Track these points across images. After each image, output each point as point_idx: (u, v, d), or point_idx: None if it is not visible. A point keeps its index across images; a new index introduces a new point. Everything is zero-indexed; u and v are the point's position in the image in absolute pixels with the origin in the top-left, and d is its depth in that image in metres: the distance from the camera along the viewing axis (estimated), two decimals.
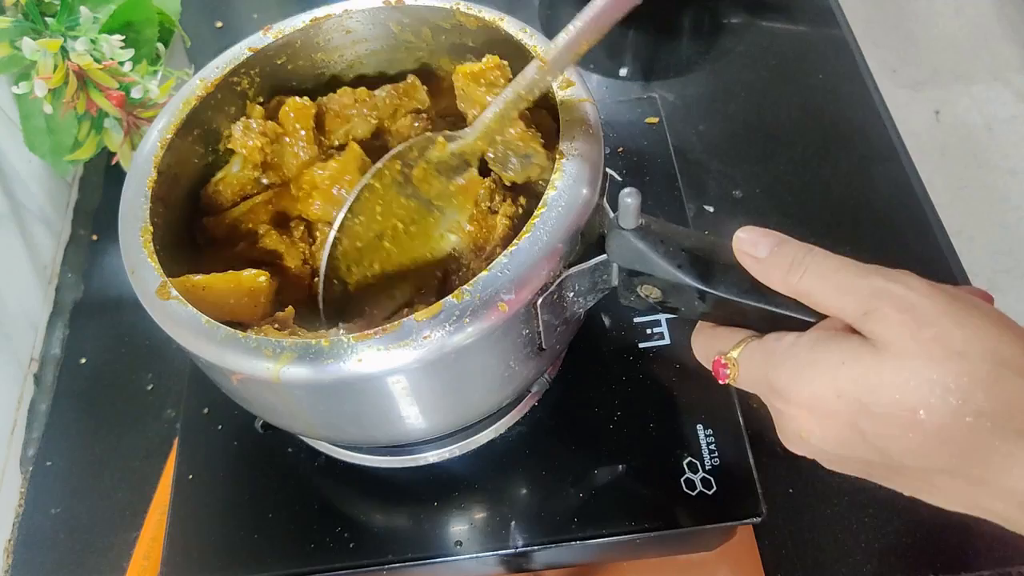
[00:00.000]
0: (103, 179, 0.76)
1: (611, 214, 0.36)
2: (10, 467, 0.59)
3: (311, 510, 0.47)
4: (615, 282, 0.39)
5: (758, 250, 0.33)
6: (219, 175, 0.48)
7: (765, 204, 0.67)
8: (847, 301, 0.30)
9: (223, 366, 0.36)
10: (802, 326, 0.33)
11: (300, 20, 0.49)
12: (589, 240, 0.38)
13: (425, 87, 0.51)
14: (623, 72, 0.78)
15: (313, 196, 0.47)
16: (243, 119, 0.48)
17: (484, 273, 0.35)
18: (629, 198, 0.35)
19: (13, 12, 0.60)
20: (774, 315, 0.34)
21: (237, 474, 0.49)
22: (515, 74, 0.42)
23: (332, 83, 0.53)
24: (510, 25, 0.46)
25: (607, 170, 0.41)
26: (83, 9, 0.61)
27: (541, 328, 0.38)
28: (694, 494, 0.45)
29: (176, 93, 0.47)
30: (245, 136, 0.47)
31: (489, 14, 0.47)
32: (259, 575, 0.45)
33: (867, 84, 0.75)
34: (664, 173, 0.60)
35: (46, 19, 0.60)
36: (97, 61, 0.60)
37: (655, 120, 0.63)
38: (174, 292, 0.38)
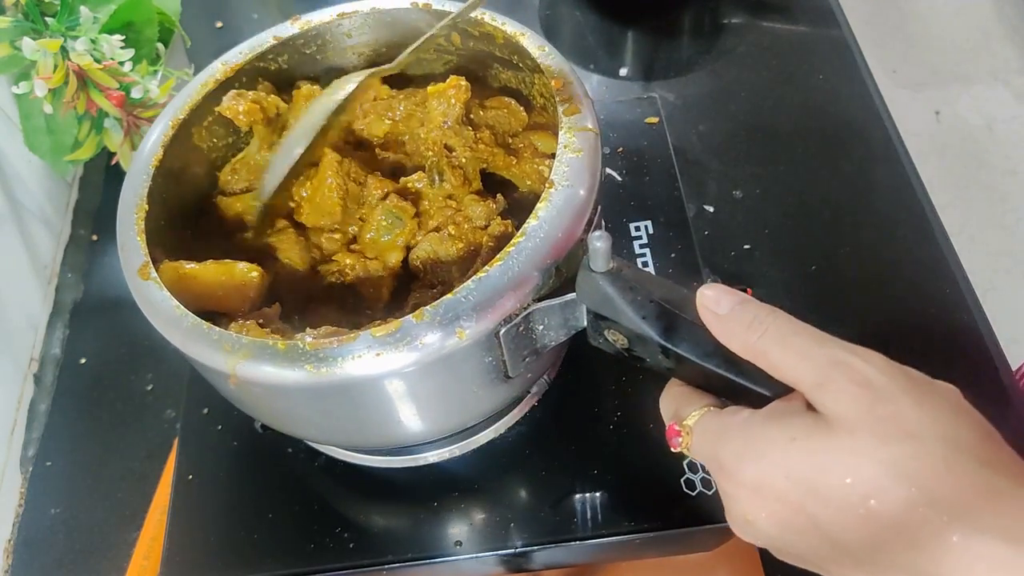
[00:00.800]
0: (103, 179, 0.76)
1: (587, 253, 0.35)
2: (10, 467, 0.59)
3: (311, 510, 0.47)
4: (584, 323, 0.38)
5: (720, 307, 0.32)
6: (238, 156, 0.49)
7: (765, 204, 0.67)
8: (803, 368, 0.29)
9: (185, 353, 0.37)
10: (761, 400, 0.31)
11: (328, 13, 0.49)
12: (567, 275, 0.37)
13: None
14: (623, 72, 0.78)
15: (303, 206, 0.47)
16: (238, 89, 0.48)
17: (448, 296, 0.35)
18: (599, 241, 0.33)
19: (13, 12, 0.60)
20: (733, 383, 0.32)
21: (237, 474, 0.49)
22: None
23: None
24: (530, 42, 0.46)
25: (600, 206, 0.40)
26: (83, 9, 0.61)
27: (506, 358, 0.37)
28: (694, 494, 0.45)
29: (194, 78, 0.48)
30: (233, 100, 0.47)
31: (512, 27, 0.46)
32: (259, 575, 0.45)
33: (867, 84, 0.75)
34: (664, 173, 0.60)
35: (46, 19, 0.60)
36: (97, 61, 0.61)
37: (655, 120, 0.63)
38: (153, 274, 0.38)
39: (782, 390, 0.31)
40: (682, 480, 0.45)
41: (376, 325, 0.35)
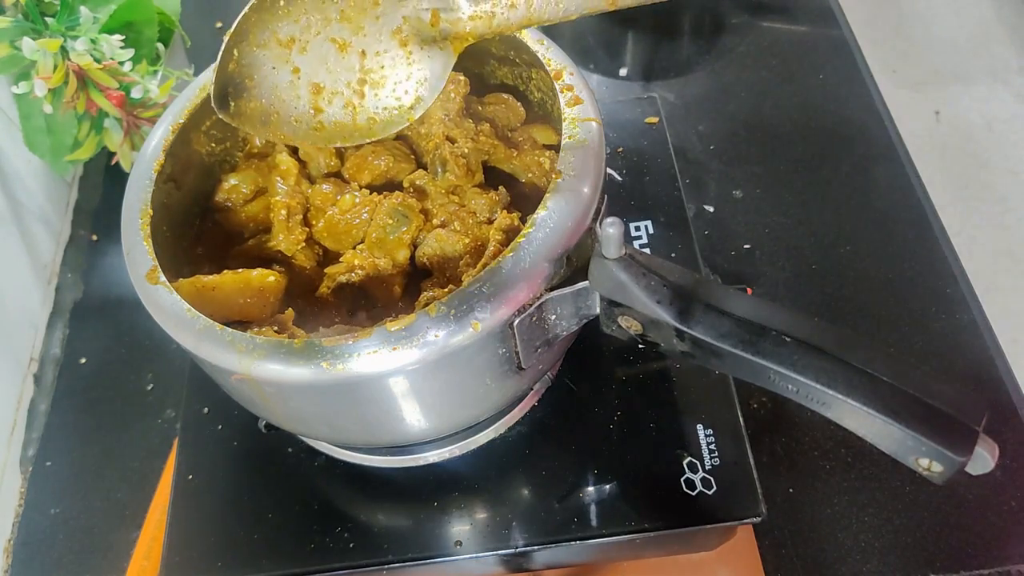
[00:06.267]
0: (103, 179, 0.76)
1: (599, 240, 0.35)
2: (10, 467, 0.59)
3: (311, 510, 0.47)
4: (597, 310, 0.38)
5: None
6: (240, 169, 0.49)
7: (765, 204, 0.67)
8: None
9: (198, 356, 0.37)
10: (784, 379, 0.32)
11: None
12: (577, 264, 0.37)
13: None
14: (623, 72, 0.78)
15: (319, 217, 0.46)
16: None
17: (461, 289, 0.35)
18: (611, 228, 0.34)
19: (13, 12, 0.60)
20: (751, 363, 0.33)
21: (237, 474, 0.49)
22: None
23: None
24: (528, 37, 0.46)
25: (605, 195, 0.40)
26: (83, 9, 0.61)
27: (519, 348, 0.38)
28: (694, 494, 0.45)
29: (192, 82, 0.47)
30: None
31: None
32: (259, 575, 0.45)
33: (867, 84, 0.75)
34: (664, 173, 0.59)
35: (46, 19, 0.60)
36: (97, 61, 0.61)
37: (655, 120, 0.63)
38: (162, 278, 0.38)
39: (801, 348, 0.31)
40: (682, 480, 0.45)
41: (390, 320, 0.35)
